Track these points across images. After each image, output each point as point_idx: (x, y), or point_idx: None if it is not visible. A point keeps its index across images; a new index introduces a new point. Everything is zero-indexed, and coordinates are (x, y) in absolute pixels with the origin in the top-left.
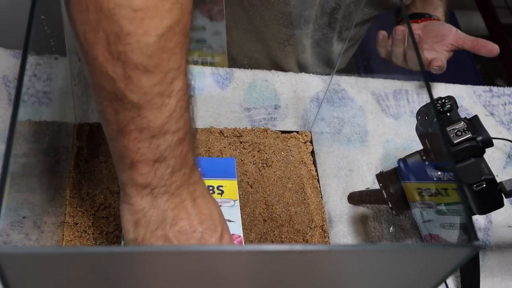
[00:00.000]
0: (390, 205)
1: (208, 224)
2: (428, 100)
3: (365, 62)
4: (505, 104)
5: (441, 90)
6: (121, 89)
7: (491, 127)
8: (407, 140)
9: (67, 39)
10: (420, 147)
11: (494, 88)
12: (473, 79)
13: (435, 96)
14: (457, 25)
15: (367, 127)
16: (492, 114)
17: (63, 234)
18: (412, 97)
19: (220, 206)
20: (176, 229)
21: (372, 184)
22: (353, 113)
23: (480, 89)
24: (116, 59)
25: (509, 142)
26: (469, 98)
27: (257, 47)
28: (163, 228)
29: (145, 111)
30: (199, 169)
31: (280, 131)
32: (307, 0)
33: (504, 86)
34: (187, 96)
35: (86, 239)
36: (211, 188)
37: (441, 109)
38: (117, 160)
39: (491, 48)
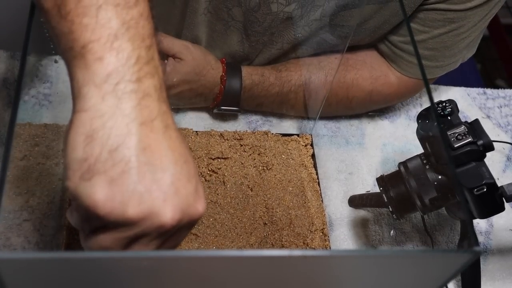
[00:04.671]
0: (390, 209)
1: (183, 169)
2: (426, 103)
3: None
4: (501, 107)
5: (434, 93)
6: None
7: (488, 130)
8: (404, 142)
9: None
10: (419, 149)
11: (488, 91)
12: (473, 79)
13: (425, 99)
14: None
15: (364, 130)
16: (488, 116)
17: (63, 238)
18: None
19: None
20: (142, 158)
21: (373, 187)
22: (350, 115)
23: (474, 91)
24: None
25: (508, 145)
26: (463, 101)
27: (257, 48)
28: (125, 150)
29: None
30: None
31: (281, 134)
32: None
33: (504, 87)
34: None
35: None
36: None
37: (442, 113)
38: (67, 57)
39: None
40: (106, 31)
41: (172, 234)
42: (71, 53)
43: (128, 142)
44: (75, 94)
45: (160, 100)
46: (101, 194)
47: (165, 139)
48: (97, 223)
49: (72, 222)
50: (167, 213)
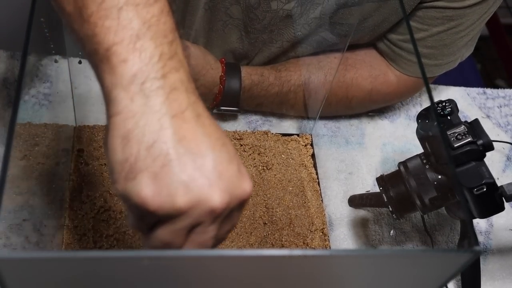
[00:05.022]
0: (390, 209)
1: (222, 152)
2: (425, 103)
3: None
4: (501, 107)
5: (433, 92)
6: None
7: (488, 129)
8: (404, 142)
9: (67, 42)
10: (418, 149)
11: (488, 90)
12: (473, 79)
13: (425, 99)
14: None
15: (364, 130)
16: (488, 116)
17: (63, 237)
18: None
19: None
20: (180, 149)
21: (373, 187)
22: (350, 115)
23: (474, 91)
24: None
25: (508, 145)
26: (463, 101)
27: (256, 46)
28: (162, 144)
29: None
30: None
31: (281, 134)
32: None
33: (504, 87)
34: None
35: (86, 242)
36: None
37: (442, 113)
38: (93, 60)
39: None
40: (128, 32)
41: (225, 218)
42: (96, 57)
43: (163, 136)
44: (106, 99)
45: (188, 92)
46: (147, 190)
47: (199, 126)
48: (151, 219)
49: (130, 226)
50: (215, 197)
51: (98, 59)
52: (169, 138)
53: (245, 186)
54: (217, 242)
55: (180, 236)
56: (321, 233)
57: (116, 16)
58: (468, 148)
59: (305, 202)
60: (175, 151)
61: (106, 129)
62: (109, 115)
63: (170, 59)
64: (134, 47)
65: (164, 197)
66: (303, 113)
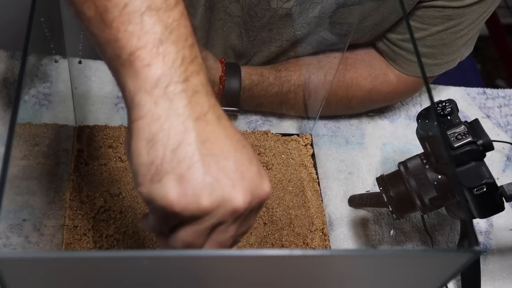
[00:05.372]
0: (390, 209)
1: (243, 154)
2: (425, 103)
3: None
4: (501, 106)
5: (433, 92)
6: None
7: (488, 129)
8: (404, 142)
9: (67, 42)
10: (418, 149)
11: (488, 90)
12: (473, 79)
13: (425, 99)
14: None
15: (364, 130)
16: (488, 116)
17: (63, 237)
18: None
19: None
20: (204, 151)
21: (372, 186)
22: (350, 115)
23: (474, 91)
24: None
25: (508, 145)
26: (463, 101)
27: (255, 45)
28: (187, 146)
29: None
30: None
31: (281, 134)
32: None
33: (504, 87)
34: None
35: (86, 242)
36: None
37: (442, 113)
38: (115, 65)
39: None
40: (151, 37)
41: (244, 218)
42: (118, 62)
43: (188, 139)
44: (129, 104)
45: (208, 95)
46: (173, 192)
47: (220, 129)
48: (175, 221)
49: (148, 228)
50: (238, 197)
51: (120, 64)
52: (193, 140)
53: (265, 186)
54: (234, 243)
55: (202, 236)
56: (321, 233)
57: (139, 21)
58: (468, 148)
59: (305, 202)
60: (199, 153)
61: (129, 133)
62: (132, 119)
63: (191, 62)
64: (158, 52)
65: (190, 198)
66: (303, 113)
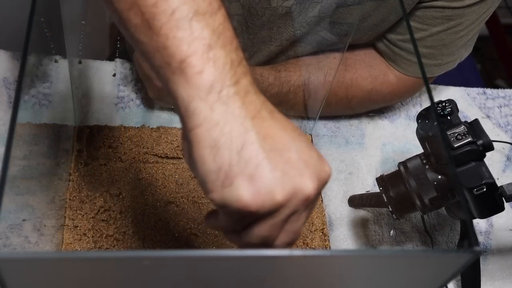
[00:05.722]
0: (390, 209)
1: (301, 142)
2: (425, 103)
3: None
4: (501, 107)
5: (433, 92)
6: None
7: (488, 130)
8: (404, 142)
9: (67, 42)
10: (418, 149)
11: (488, 90)
12: (473, 79)
13: (425, 99)
14: None
15: (364, 130)
16: (488, 116)
17: (63, 237)
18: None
19: None
20: (267, 147)
21: (372, 187)
22: (350, 115)
23: (474, 91)
24: None
25: (508, 145)
26: (463, 101)
27: (255, 43)
28: (251, 146)
29: None
30: None
31: None
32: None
33: (504, 87)
34: None
35: (85, 242)
36: None
37: (442, 113)
38: (164, 73)
39: None
40: (201, 42)
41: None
42: (168, 69)
43: (250, 138)
44: (183, 112)
45: (257, 93)
46: (247, 193)
47: (275, 122)
48: (250, 219)
49: (216, 227)
50: (308, 184)
51: (171, 72)
52: (255, 139)
53: (327, 168)
54: (300, 230)
55: (278, 229)
56: (321, 233)
57: (188, 27)
58: (468, 148)
59: None
60: (263, 150)
61: (187, 142)
62: (190, 127)
63: (239, 64)
64: (208, 57)
65: (264, 196)
66: (303, 113)
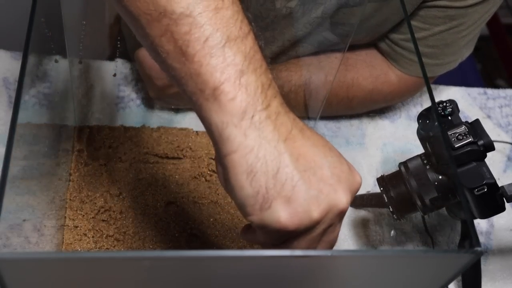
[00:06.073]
0: (391, 209)
1: (332, 157)
2: (426, 103)
3: None
4: (502, 107)
5: (434, 92)
6: (162, 4)
7: (489, 130)
8: (405, 142)
9: (67, 42)
10: (419, 149)
11: (489, 90)
12: (474, 79)
13: (426, 99)
14: None
15: (365, 130)
16: (489, 116)
17: (63, 237)
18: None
19: None
20: (300, 167)
21: (373, 187)
22: (351, 115)
23: (474, 91)
24: None
25: (509, 145)
26: (464, 101)
27: (258, 44)
28: (285, 168)
29: (200, 17)
30: None
31: None
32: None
33: (504, 87)
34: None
35: (86, 242)
36: None
37: (442, 113)
38: (197, 99)
39: None
40: (233, 69)
41: None
42: (202, 96)
43: (284, 161)
44: (217, 138)
45: (287, 112)
46: (285, 215)
47: (306, 140)
48: (288, 236)
49: (253, 242)
50: (342, 199)
51: (204, 98)
52: (289, 161)
53: (358, 178)
54: (336, 238)
55: (316, 242)
56: None
57: (221, 54)
58: (469, 148)
59: None
60: (298, 171)
61: (222, 167)
62: (225, 153)
63: (269, 87)
64: (240, 83)
65: (301, 215)
66: (304, 113)
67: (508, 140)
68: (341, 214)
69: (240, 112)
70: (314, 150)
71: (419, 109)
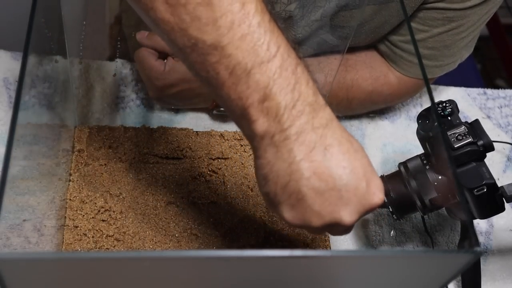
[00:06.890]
0: (390, 209)
1: (351, 178)
2: (426, 103)
3: None
4: (501, 107)
5: (434, 93)
6: (194, 35)
7: (488, 130)
8: (405, 143)
9: (67, 42)
10: (419, 150)
11: (489, 91)
12: (473, 79)
13: (425, 99)
14: None
15: (365, 130)
16: (489, 117)
17: (63, 237)
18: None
19: None
20: (310, 185)
21: None
22: (350, 115)
23: (474, 91)
24: (176, 5)
25: (509, 145)
26: (464, 101)
27: None
28: (294, 183)
29: (227, 48)
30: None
31: None
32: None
33: (504, 87)
34: (268, 15)
35: (86, 242)
36: None
37: (442, 113)
38: (234, 116)
39: None
40: (257, 95)
41: None
42: (235, 114)
43: (294, 178)
44: (250, 143)
45: (314, 128)
46: (289, 216)
47: (325, 161)
48: None
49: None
50: (345, 219)
51: (237, 116)
52: (299, 177)
53: (374, 200)
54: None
55: (324, 232)
56: None
57: (245, 81)
58: (469, 148)
59: None
60: (306, 188)
61: (255, 164)
62: (254, 156)
63: (293, 107)
64: (262, 108)
65: (302, 221)
66: None
67: (508, 140)
68: (342, 228)
69: (261, 133)
70: (331, 172)
71: (419, 109)
